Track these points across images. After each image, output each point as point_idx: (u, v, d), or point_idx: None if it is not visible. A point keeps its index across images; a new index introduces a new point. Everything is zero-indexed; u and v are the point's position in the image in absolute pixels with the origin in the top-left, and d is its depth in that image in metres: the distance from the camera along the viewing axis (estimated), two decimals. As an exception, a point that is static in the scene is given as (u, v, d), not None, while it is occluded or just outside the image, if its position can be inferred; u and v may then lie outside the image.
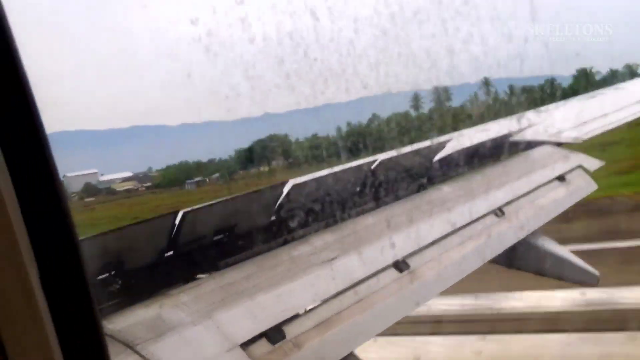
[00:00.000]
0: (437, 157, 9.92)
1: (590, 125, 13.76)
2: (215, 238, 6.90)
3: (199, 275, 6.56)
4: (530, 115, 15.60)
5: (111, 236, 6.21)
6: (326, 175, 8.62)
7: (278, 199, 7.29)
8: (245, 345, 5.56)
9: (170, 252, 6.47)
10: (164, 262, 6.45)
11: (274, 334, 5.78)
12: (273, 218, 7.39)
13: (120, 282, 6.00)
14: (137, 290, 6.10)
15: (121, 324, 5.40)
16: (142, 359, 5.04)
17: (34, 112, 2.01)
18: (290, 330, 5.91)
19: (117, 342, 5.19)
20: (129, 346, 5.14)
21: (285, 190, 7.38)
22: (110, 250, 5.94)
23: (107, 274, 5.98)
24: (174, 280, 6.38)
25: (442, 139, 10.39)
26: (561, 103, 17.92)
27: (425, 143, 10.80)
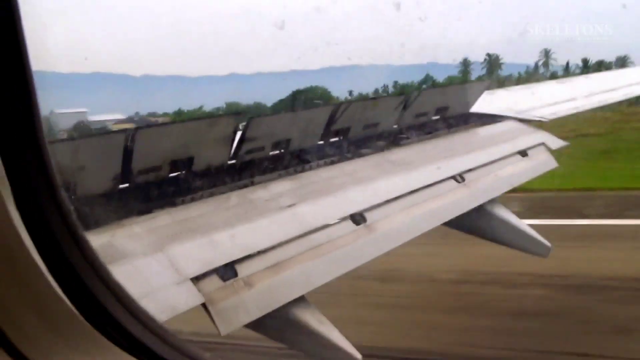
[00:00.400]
0: (405, 112, 9.99)
1: (557, 107, 14.02)
2: (172, 174, 6.85)
3: (154, 210, 6.51)
4: (499, 90, 15.82)
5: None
6: (287, 116, 8.60)
7: (236, 133, 7.25)
8: (195, 279, 5.57)
9: (126, 184, 6.41)
10: (119, 191, 6.39)
11: (226, 271, 5.78)
12: (232, 156, 7.40)
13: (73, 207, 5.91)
14: (89, 217, 6.03)
15: None
16: None
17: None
18: (243, 270, 5.92)
19: None
20: None
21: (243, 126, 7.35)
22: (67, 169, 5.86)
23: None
24: (128, 212, 6.32)
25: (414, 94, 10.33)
26: (533, 84, 18.20)
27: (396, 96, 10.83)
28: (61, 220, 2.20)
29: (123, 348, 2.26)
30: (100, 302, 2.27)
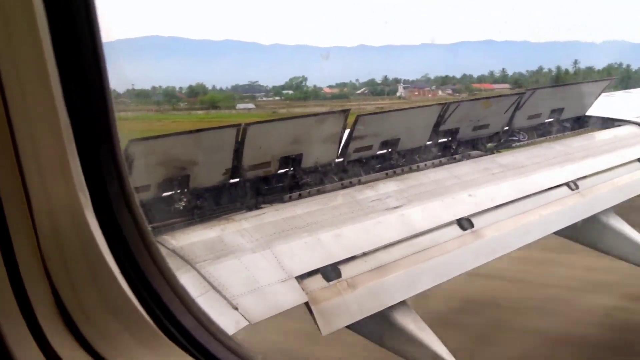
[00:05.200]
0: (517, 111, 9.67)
1: None
2: (280, 171, 6.96)
3: (263, 205, 6.64)
4: (617, 93, 14.94)
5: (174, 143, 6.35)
6: (395, 115, 8.49)
7: (343, 131, 7.27)
8: (300, 278, 5.62)
9: (236, 179, 6.57)
10: (230, 185, 6.56)
11: (330, 272, 5.81)
12: (339, 154, 7.42)
13: (185, 200, 6.12)
14: (201, 209, 6.24)
15: (183, 241, 5.53)
16: (201, 277, 5.17)
17: None
18: (346, 271, 5.93)
19: (178, 258, 5.33)
20: (189, 263, 5.28)
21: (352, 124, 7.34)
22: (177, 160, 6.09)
23: (172, 192, 6.11)
24: (238, 206, 6.49)
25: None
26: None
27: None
28: (135, 227, 2.25)
29: (187, 351, 2.30)
30: (167, 306, 2.32)
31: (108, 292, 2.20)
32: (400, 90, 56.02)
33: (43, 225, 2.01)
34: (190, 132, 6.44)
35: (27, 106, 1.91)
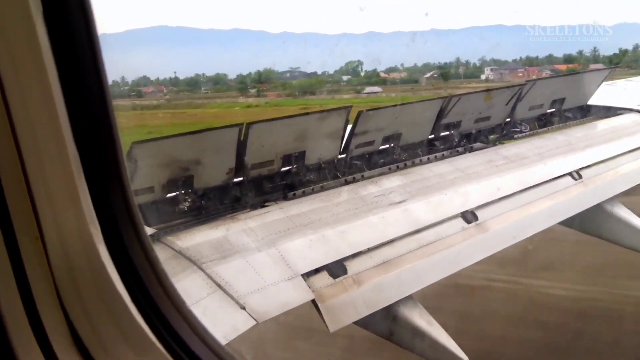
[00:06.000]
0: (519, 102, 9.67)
1: None
2: (284, 168, 6.98)
3: (267, 203, 6.66)
4: (619, 81, 14.91)
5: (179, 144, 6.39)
6: (397, 109, 8.49)
7: (346, 126, 7.30)
8: (306, 275, 5.64)
9: (240, 177, 6.59)
10: (234, 184, 6.59)
11: (336, 269, 5.82)
12: (342, 150, 7.44)
13: (189, 200, 6.15)
14: (206, 209, 6.26)
15: (189, 241, 5.55)
16: (207, 277, 5.19)
17: None
18: (352, 267, 5.94)
19: (184, 259, 5.35)
20: (196, 264, 5.30)
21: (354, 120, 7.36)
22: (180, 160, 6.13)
23: (176, 192, 6.14)
24: (243, 205, 6.51)
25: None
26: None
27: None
28: (144, 257, 2.29)
29: None
30: (180, 336, 2.34)
31: (120, 321, 2.26)
32: (488, 73, 53.66)
33: (56, 257, 2.07)
34: (193, 132, 6.46)
35: (37, 141, 1.95)
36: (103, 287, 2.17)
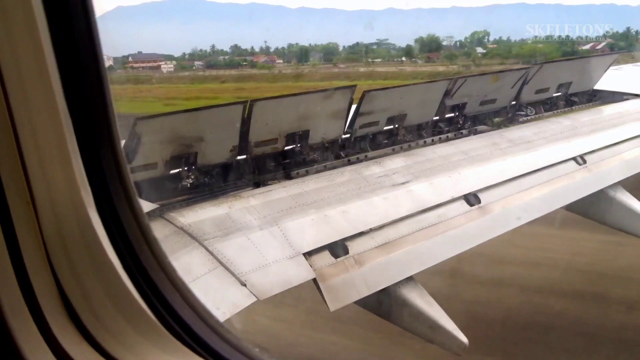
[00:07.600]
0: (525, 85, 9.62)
1: None
2: (287, 147, 6.96)
3: (270, 182, 6.65)
4: (626, 66, 14.80)
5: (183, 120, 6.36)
6: (402, 90, 8.44)
7: (351, 106, 7.27)
8: (308, 254, 5.65)
9: (243, 155, 6.57)
10: (237, 162, 6.57)
11: (338, 248, 5.83)
12: (346, 129, 7.42)
13: (193, 177, 6.14)
14: (209, 186, 6.26)
15: (191, 218, 5.55)
16: (209, 254, 5.20)
17: None
18: (354, 247, 5.95)
19: (186, 235, 5.35)
20: (197, 240, 5.30)
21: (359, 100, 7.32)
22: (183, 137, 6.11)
23: (180, 169, 6.13)
24: (245, 183, 6.50)
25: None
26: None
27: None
28: (136, 223, 2.29)
29: (188, 346, 2.33)
30: (167, 300, 2.35)
31: (110, 286, 2.26)
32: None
33: (47, 222, 2.07)
34: (197, 109, 6.43)
35: (29, 105, 1.95)
36: (93, 252, 2.18)
